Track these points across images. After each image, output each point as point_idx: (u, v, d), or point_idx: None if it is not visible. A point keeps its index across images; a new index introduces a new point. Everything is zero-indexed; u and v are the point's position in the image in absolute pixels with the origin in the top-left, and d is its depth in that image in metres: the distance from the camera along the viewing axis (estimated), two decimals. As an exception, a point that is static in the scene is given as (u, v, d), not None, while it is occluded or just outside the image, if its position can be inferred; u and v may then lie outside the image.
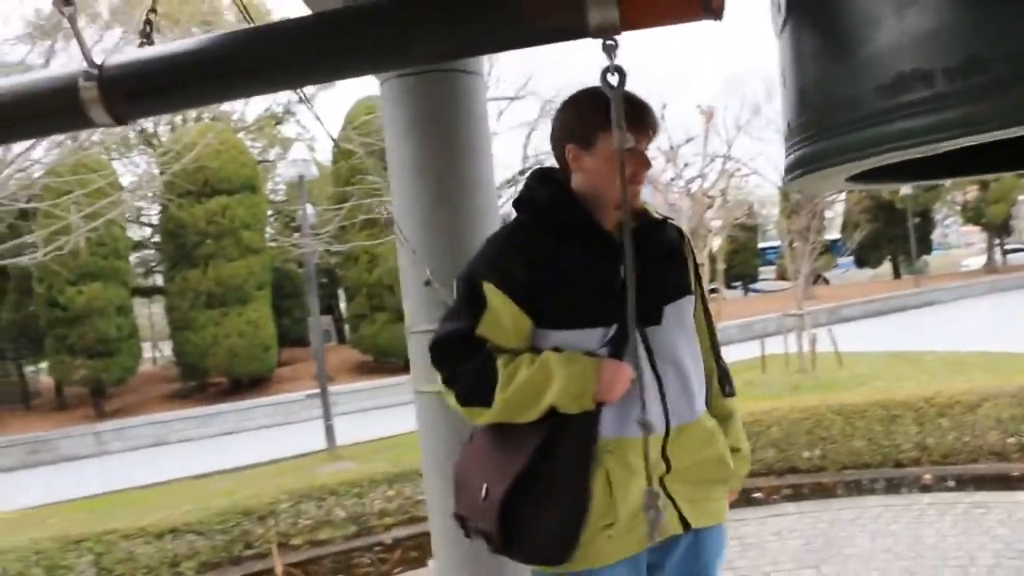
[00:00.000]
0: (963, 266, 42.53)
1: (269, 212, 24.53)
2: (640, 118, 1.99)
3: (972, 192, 35.07)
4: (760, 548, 5.30)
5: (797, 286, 15.49)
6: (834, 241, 28.55)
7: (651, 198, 16.49)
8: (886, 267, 39.48)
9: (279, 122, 28.63)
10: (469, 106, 2.71)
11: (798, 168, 1.33)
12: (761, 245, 40.03)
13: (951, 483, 6.82)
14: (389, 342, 21.27)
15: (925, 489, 6.76)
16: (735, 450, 2.22)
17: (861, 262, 39.45)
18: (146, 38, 1.60)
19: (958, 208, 38.11)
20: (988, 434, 7.36)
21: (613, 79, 1.27)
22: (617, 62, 1.28)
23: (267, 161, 27.94)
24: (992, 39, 1.04)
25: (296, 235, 22.18)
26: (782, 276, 28.76)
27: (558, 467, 1.94)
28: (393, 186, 2.79)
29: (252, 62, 1.42)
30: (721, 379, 2.26)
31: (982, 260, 39.48)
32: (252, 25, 1.46)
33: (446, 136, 2.66)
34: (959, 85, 1.05)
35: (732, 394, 2.28)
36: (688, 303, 2.15)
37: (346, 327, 26.06)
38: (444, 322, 2.07)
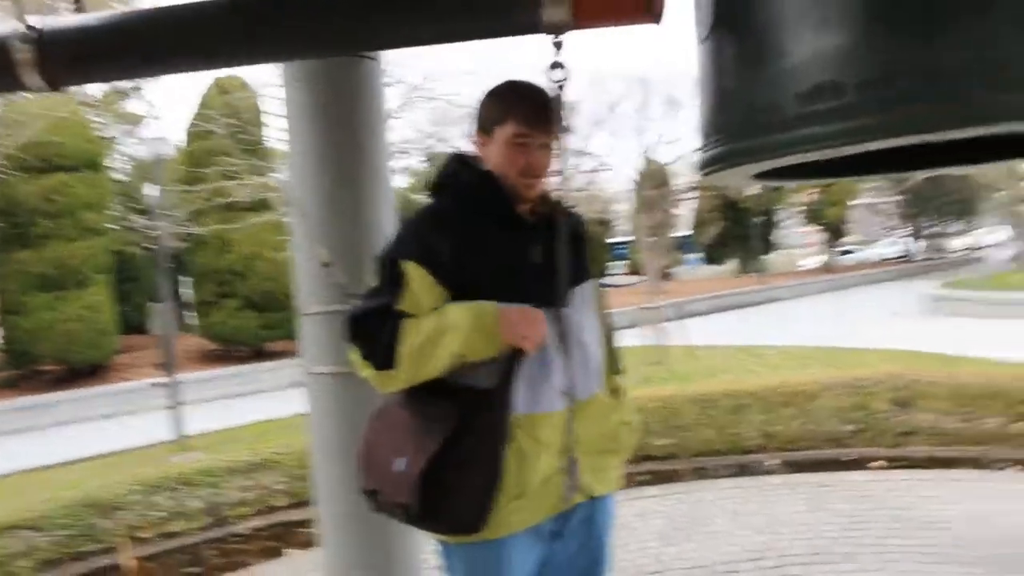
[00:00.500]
0: (801, 265, 44.98)
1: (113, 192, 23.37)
2: (540, 115, 2.05)
3: (813, 194, 37.16)
4: (626, 528, 5.51)
5: (651, 281, 16.03)
6: (685, 238, 29.69)
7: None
8: (731, 264, 41.28)
9: (125, 97, 27.32)
10: (370, 90, 2.74)
11: (715, 164, 1.45)
12: (612, 240, 41.10)
13: (796, 468, 7.27)
14: (238, 329, 20.69)
15: (773, 472, 7.17)
16: (626, 423, 2.33)
17: (709, 259, 41.16)
18: (77, 3, 1.56)
19: (798, 210, 40.27)
20: (827, 422, 7.88)
21: (559, 74, 1.36)
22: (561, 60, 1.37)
23: (111, 138, 26.61)
24: (898, 58, 1.19)
25: (141, 217, 21.30)
26: (634, 271, 29.66)
27: (475, 439, 2.00)
28: (292, 166, 2.78)
29: (193, 39, 1.43)
30: (613, 358, 2.38)
31: (819, 260, 41.87)
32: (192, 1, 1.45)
33: (348, 119, 2.68)
34: (867, 97, 1.20)
35: (621, 371, 2.41)
36: (591, 287, 2.27)
37: (189, 314, 25.15)
38: (362, 299, 2.09)
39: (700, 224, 27.93)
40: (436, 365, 1.96)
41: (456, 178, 2.15)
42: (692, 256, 36.58)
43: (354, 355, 2.05)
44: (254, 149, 14.22)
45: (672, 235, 19.44)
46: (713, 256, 40.34)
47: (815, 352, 14.52)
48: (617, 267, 42.34)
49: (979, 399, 7.44)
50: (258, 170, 12.78)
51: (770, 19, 1.31)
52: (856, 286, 32.23)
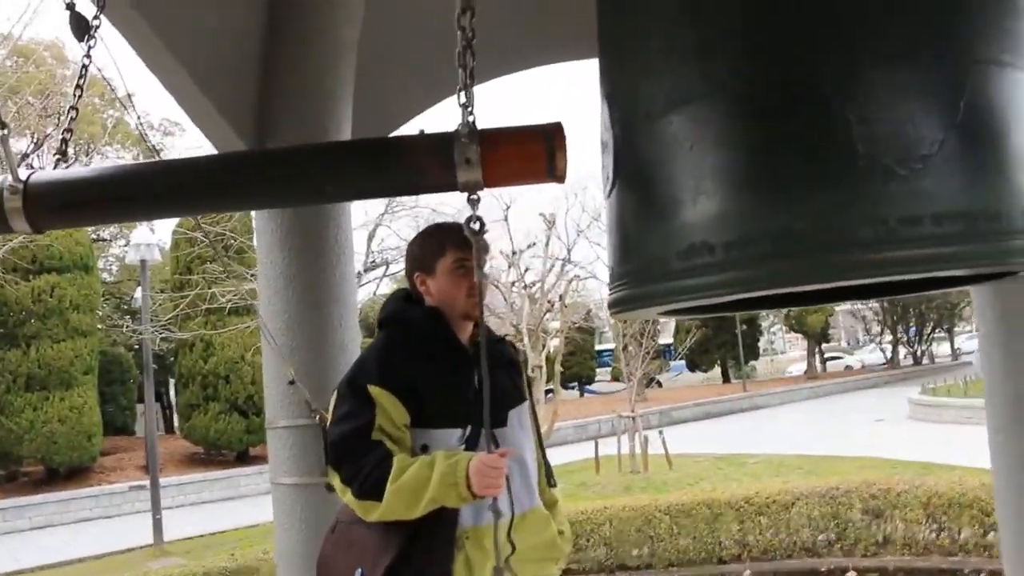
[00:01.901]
0: (787, 372, 45.14)
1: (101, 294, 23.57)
2: (470, 242, 2.33)
3: (795, 301, 37.46)
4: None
5: (630, 388, 16.16)
6: (667, 345, 29.94)
7: (492, 299, 17.01)
8: (717, 371, 41.43)
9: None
10: (337, 222, 2.98)
11: (620, 305, 1.66)
12: (598, 347, 41.35)
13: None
14: (222, 433, 20.61)
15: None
16: (561, 532, 2.54)
17: (693, 366, 41.34)
18: (62, 156, 1.79)
19: (782, 316, 40.66)
20: (801, 531, 7.95)
21: (475, 226, 1.57)
22: (478, 213, 1.59)
23: (102, 240, 26.99)
24: (759, 223, 1.41)
25: (128, 318, 21.41)
26: (616, 378, 29.77)
27: (427, 551, 2.20)
28: (262, 290, 3.00)
29: (159, 191, 1.64)
30: (547, 472, 2.59)
31: (803, 366, 42.04)
32: (162, 159, 1.68)
33: (315, 249, 2.92)
34: (733, 255, 1.42)
35: (555, 485, 2.62)
36: (526, 408, 2.51)
37: (175, 416, 25.05)
38: (337, 424, 2.30)
39: (681, 331, 28.16)
40: (415, 509, 2.16)
41: (403, 314, 2.42)
42: (676, 363, 36.72)
43: (335, 479, 2.25)
44: (239, 255, 14.48)
45: (654, 343, 19.67)
46: (697, 363, 40.55)
47: (795, 460, 14.61)
48: (603, 374, 42.48)
49: (952, 508, 7.52)
50: (242, 275, 13.02)
51: (656, 185, 1.54)
52: (841, 393, 32.34)
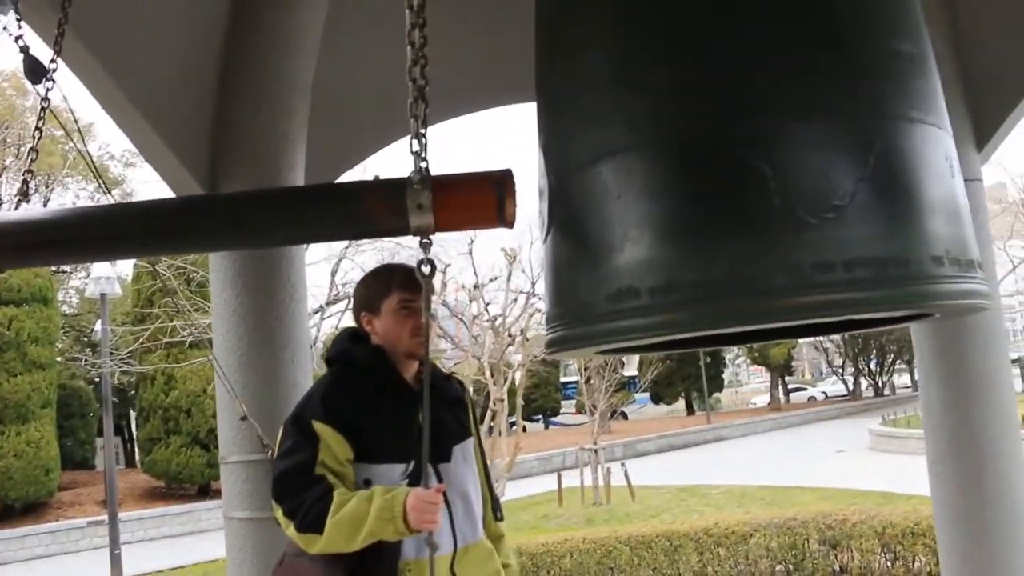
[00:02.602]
0: (751, 403, 45.44)
1: (61, 326, 23.27)
2: (416, 283, 2.41)
3: (757, 334, 37.82)
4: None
5: (594, 421, 16.22)
6: (632, 378, 30.05)
7: (455, 331, 17.03)
8: (682, 403, 41.60)
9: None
10: (291, 260, 3.03)
11: (556, 345, 1.74)
12: (563, 379, 41.39)
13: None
14: (183, 467, 20.32)
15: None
16: (506, 565, 2.59)
17: (657, 398, 41.49)
18: (23, 196, 1.84)
19: (746, 349, 41.00)
20: (759, 562, 8.01)
21: (426, 268, 1.64)
22: (430, 256, 1.65)
23: (62, 272, 26.68)
24: (681, 270, 1.50)
25: (88, 351, 21.15)
26: (581, 410, 29.83)
27: None
28: (216, 326, 3.04)
29: (113, 234, 1.69)
30: (494, 506, 2.63)
31: (767, 398, 42.35)
32: (117, 203, 1.73)
33: (268, 287, 2.96)
34: (658, 300, 1.50)
35: (502, 519, 2.65)
36: (471, 444, 2.56)
37: (136, 450, 24.69)
38: (281, 459, 2.35)
39: (645, 363, 28.32)
40: (353, 542, 2.20)
41: (349, 354, 2.48)
42: (641, 395, 36.86)
43: (278, 512, 2.29)
44: (200, 288, 14.42)
45: (618, 375, 19.78)
46: (661, 395, 40.71)
47: (757, 491, 14.71)
48: (566, 407, 42.52)
49: (906, 537, 7.63)
50: (204, 309, 12.97)
51: (586, 232, 1.62)
52: (803, 424, 32.64)
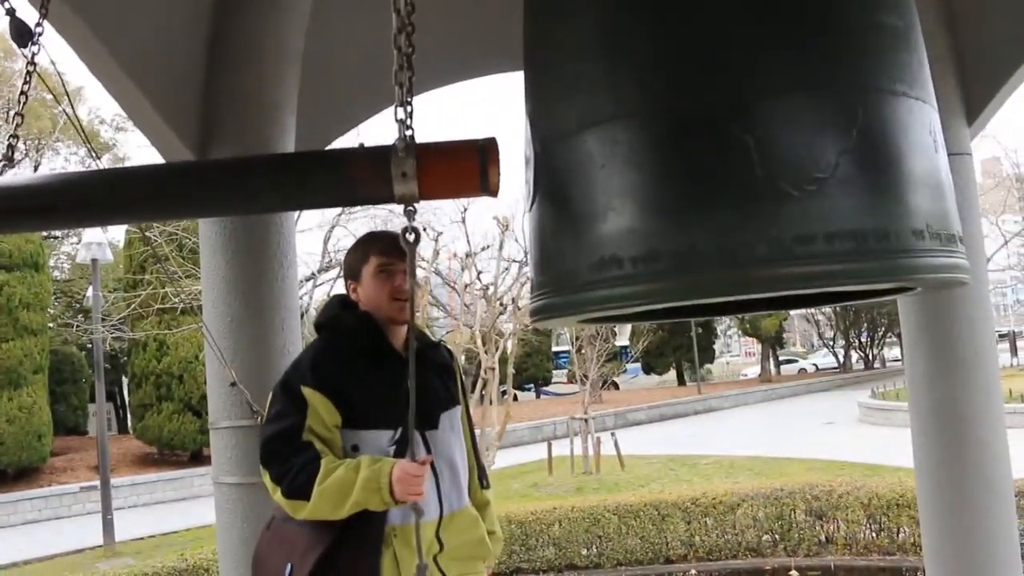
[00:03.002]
0: (742, 375, 45.69)
1: (52, 292, 23.22)
2: (395, 245, 2.41)
3: (749, 305, 37.97)
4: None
5: (585, 391, 16.30)
6: (623, 348, 30.15)
7: (448, 300, 17.06)
8: (673, 374, 41.80)
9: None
10: (280, 227, 3.04)
11: (540, 314, 1.75)
12: (555, 348, 41.54)
13: (716, 576, 7.45)
14: (175, 433, 20.39)
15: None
16: (491, 532, 2.62)
17: (649, 369, 41.69)
18: (8, 161, 1.84)
19: (737, 320, 41.18)
20: (746, 532, 8.11)
21: (411, 236, 1.65)
22: (414, 224, 1.66)
23: (53, 237, 26.58)
24: (663, 240, 1.50)
25: (80, 317, 21.12)
26: (572, 380, 29.96)
27: (355, 548, 2.29)
28: (205, 293, 3.04)
29: (97, 200, 1.69)
30: (480, 474, 2.67)
31: (758, 369, 42.56)
32: (101, 169, 1.74)
33: (258, 254, 2.97)
34: (640, 269, 1.51)
35: (488, 487, 2.70)
36: (458, 411, 2.60)
37: (128, 416, 24.75)
38: (269, 424, 2.39)
39: (637, 333, 28.42)
40: (339, 511, 2.24)
41: (337, 320, 2.51)
42: (632, 366, 37.02)
43: (265, 477, 2.34)
44: (192, 254, 14.39)
45: (610, 345, 19.85)
46: (652, 366, 40.89)
47: (746, 461, 14.84)
48: (559, 375, 42.70)
49: (891, 509, 7.72)
50: (195, 275, 12.96)
51: (571, 201, 1.63)
52: (793, 396, 32.84)
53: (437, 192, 1.70)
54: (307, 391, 2.32)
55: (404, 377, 2.36)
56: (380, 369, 2.40)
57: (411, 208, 1.68)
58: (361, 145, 1.77)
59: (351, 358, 2.39)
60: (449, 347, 2.78)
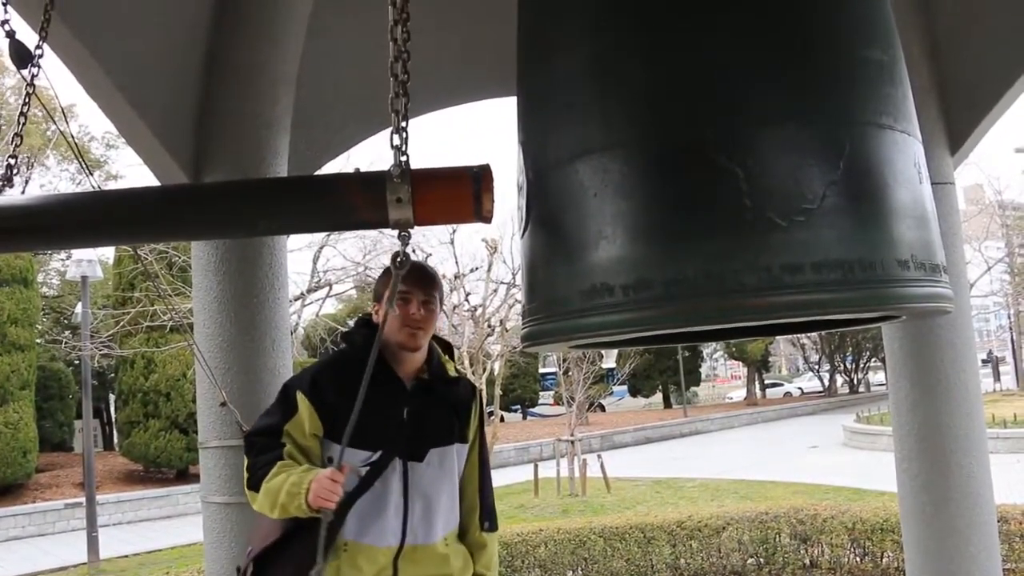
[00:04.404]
0: (728, 398, 45.73)
1: (41, 308, 23.09)
2: (417, 277, 2.52)
3: (735, 329, 38.07)
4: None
5: (571, 412, 16.30)
6: (611, 370, 30.15)
7: (438, 321, 17.04)
8: (659, 396, 41.81)
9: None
10: (272, 248, 3.06)
11: (531, 339, 1.78)
12: (542, 370, 41.50)
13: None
14: (162, 450, 20.24)
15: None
16: (481, 575, 2.64)
17: (635, 391, 41.69)
18: (7, 182, 1.86)
19: (724, 343, 41.24)
20: (731, 555, 8.10)
21: (400, 260, 1.68)
22: (407, 250, 1.69)
23: (43, 253, 26.46)
24: (653, 268, 1.54)
25: (68, 333, 21.00)
26: (559, 401, 29.95)
27: (302, 546, 2.33)
28: (196, 312, 3.06)
29: (91, 221, 1.71)
30: (483, 516, 2.66)
31: (744, 393, 42.61)
32: (97, 190, 1.76)
33: (249, 275, 2.99)
34: (631, 297, 1.54)
35: (491, 529, 2.68)
36: (454, 451, 2.58)
37: (115, 433, 24.59)
38: (261, 418, 2.52)
39: (623, 356, 28.45)
40: (274, 511, 2.35)
41: (350, 337, 2.59)
42: (619, 388, 37.03)
43: (245, 463, 2.45)
44: (182, 272, 14.38)
45: (596, 367, 19.86)
46: (639, 388, 40.90)
47: (731, 485, 14.84)
48: (546, 397, 42.66)
49: (875, 533, 7.72)
50: (185, 294, 12.94)
51: (563, 228, 1.66)
52: (779, 419, 32.88)
53: (432, 218, 1.73)
54: (300, 396, 2.42)
55: (400, 404, 2.46)
56: (379, 392, 2.38)
57: (405, 233, 1.71)
58: (357, 170, 1.80)
59: (351, 375, 2.37)
60: (475, 385, 2.78)
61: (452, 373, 2.67)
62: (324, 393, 2.41)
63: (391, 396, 2.46)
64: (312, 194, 1.76)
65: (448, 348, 2.72)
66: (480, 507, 2.66)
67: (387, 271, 2.59)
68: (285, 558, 2.39)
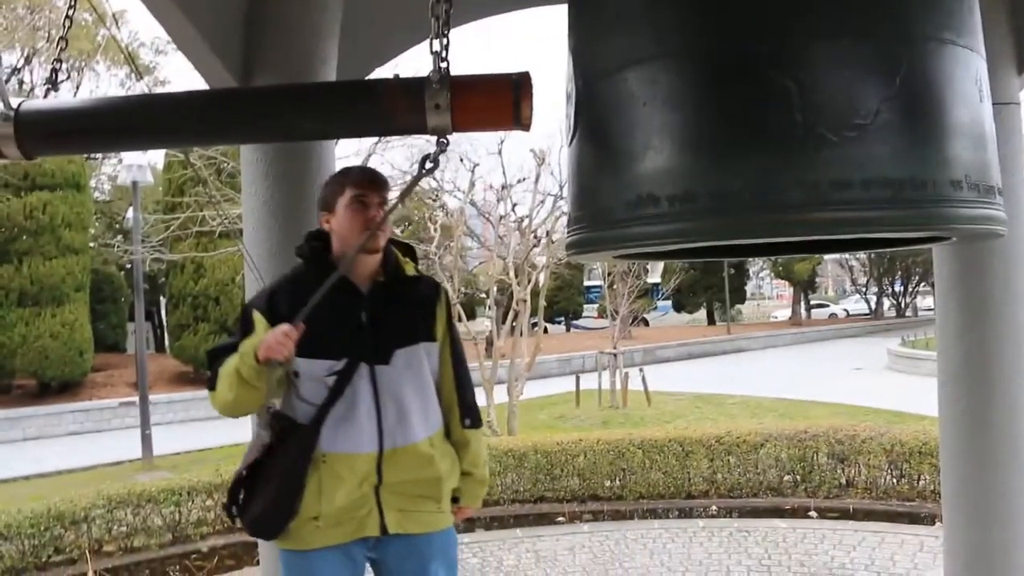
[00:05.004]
0: (772, 317, 45.53)
1: (93, 212, 23.50)
2: (371, 178, 2.54)
3: (784, 248, 37.71)
4: (553, 561, 5.89)
5: (615, 326, 16.35)
6: (655, 285, 30.08)
7: (482, 231, 17.08)
8: (703, 313, 41.76)
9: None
10: (320, 154, 3.07)
11: (575, 248, 1.79)
12: (587, 283, 41.56)
13: (736, 514, 7.56)
14: (211, 353, 20.72)
15: (712, 518, 7.47)
16: (468, 474, 2.67)
17: (679, 307, 41.66)
18: (52, 85, 1.89)
19: (770, 262, 40.88)
20: (768, 471, 8.17)
21: (430, 164, 1.68)
22: (437, 153, 1.69)
23: (94, 158, 26.82)
24: (700, 180, 1.53)
25: (120, 238, 21.42)
26: (603, 314, 30.05)
27: (279, 464, 2.45)
28: (245, 217, 3.10)
29: (142, 124, 1.74)
30: (463, 413, 2.66)
31: (789, 313, 42.38)
32: (147, 94, 1.77)
33: (297, 180, 3.01)
34: (677, 208, 1.53)
35: (473, 426, 2.67)
36: (421, 349, 2.57)
37: (166, 336, 25.25)
38: (226, 338, 2.60)
39: (669, 271, 28.35)
40: (231, 391, 2.39)
41: (300, 251, 2.58)
42: (663, 303, 37.03)
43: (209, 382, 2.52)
44: (231, 178, 14.51)
45: (641, 282, 19.84)
46: (683, 304, 40.85)
47: (772, 403, 14.89)
48: (590, 310, 42.83)
49: (913, 456, 7.73)
50: (233, 199, 13.08)
51: (610, 138, 1.65)
52: (823, 340, 32.72)
53: (470, 125, 1.73)
54: (256, 315, 2.46)
55: (357, 309, 2.48)
56: (334, 300, 2.37)
57: (444, 140, 1.71)
58: (396, 76, 1.79)
59: (306, 287, 2.33)
60: (438, 282, 2.76)
61: (411, 273, 2.64)
62: (279, 308, 2.41)
63: (348, 302, 2.47)
64: (351, 99, 1.76)
65: (409, 251, 2.69)
66: (459, 404, 2.66)
67: (333, 178, 2.58)
68: (271, 480, 2.46)
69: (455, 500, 2.68)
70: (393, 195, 2.70)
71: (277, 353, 2.24)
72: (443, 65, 1.65)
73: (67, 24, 2.15)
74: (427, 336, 2.60)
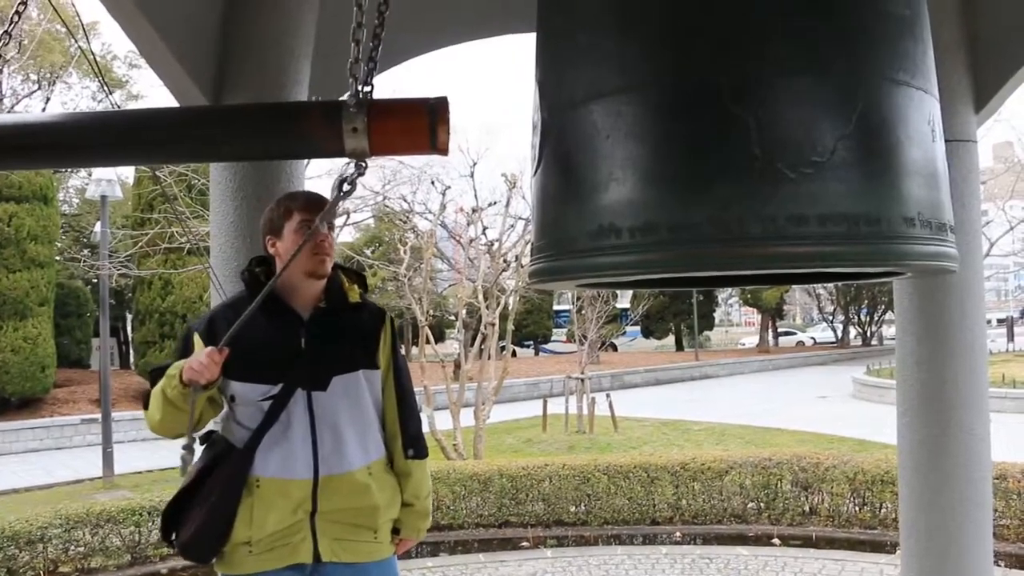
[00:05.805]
0: (740, 344, 45.85)
1: (60, 225, 23.23)
2: (317, 202, 2.53)
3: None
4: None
5: (583, 351, 16.39)
6: (624, 310, 30.20)
7: (453, 253, 17.10)
8: (672, 339, 41.98)
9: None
10: (290, 175, 3.08)
11: (538, 276, 1.81)
12: (556, 307, 41.67)
13: (699, 540, 7.59)
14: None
15: (675, 544, 7.49)
16: (409, 505, 2.64)
17: (648, 332, 41.85)
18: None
19: (739, 290, 41.21)
20: (732, 499, 8.22)
21: (347, 187, 1.69)
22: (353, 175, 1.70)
23: (63, 171, 26.55)
24: (661, 212, 1.56)
25: (87, 252, 21.19)
26: (571, 339, 30.11)
27: (212, 488, 2.44)
28: (213, 236, 3.10)
29: (92, 140, 1.74)
30: (406, 443, 2.64)
31: (756, 340, 42.72)
32: (115, 109, 1.78)
33: (266, 200, 2.99)
34: (637, 239, 1.56)
35: (416, 456, 2.65)
36: (361, 376, 2.56)
37: (131, 353, 24.96)
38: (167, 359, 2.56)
39: (637, 297, 28.51)
40: (158, 412, 2.40)
41: (242, 276, 2.59)
42: (632, 329, 37.19)
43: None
44: (201, 195, 14.43)
45: (610, 307, 19.91)
46: (652, 330, 41.04)
47: (737, 430, 14.98)
48: (558, 334, 42.90)
49: (875, 484, 7.81)
50: (203, 216, 13.00)
51: (574, 169, 1.67)
52: (790, 368, 33.01)
53: (387, 149, 1.74)
54: (196, 338, 2.48)
55: (296, 335, 2.48)
56: (271, 325, 2.44)
57: (362, 163, 1.72)
58: (315, 99, 1.80)
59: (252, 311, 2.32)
60: (383, 309, 2.75)
61: (355, 300, 2.63)
62: (218, 333, 2.38)
63: (286, 327, 2.48)
64: (270, 121, 1.77)
65: (359, 277, 2.68)
66: (402, 434, 2.63)
67: (279, 201, 2.58)
68: (195, 506, 2.46)
69: (396, 531, 2.65)
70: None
71: (199, 376, 2.26)
72: (366, 89, 1.66)
73: (16, 20, 2.13)
74: (368, 364, 2.59)
